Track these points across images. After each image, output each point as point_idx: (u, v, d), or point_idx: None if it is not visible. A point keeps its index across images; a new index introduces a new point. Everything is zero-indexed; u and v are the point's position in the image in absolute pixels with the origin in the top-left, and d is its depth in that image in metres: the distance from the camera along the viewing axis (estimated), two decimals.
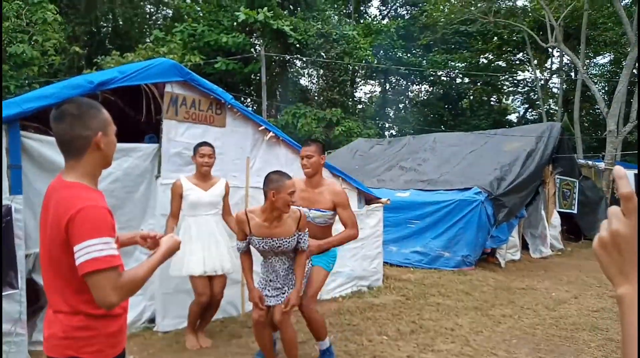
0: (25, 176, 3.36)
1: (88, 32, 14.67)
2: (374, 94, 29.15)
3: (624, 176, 0.54)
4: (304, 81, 23.24)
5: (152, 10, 18.82)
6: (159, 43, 13.81)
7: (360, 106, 26.13)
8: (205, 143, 3.65)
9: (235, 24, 15.55)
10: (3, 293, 3.18)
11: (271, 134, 4.58)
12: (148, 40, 14.89)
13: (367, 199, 5.66)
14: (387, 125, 27.76)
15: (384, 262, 6.67)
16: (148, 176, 3.99)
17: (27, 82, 9.65)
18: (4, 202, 3.18)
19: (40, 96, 3.30)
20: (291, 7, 18.61)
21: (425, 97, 28.49)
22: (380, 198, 5.72)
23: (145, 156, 3.94)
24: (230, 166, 4.34)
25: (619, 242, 0.53)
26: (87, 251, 1.35)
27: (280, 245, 2.86)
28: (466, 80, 25.99)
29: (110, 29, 16.71)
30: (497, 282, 6.23)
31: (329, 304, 4.90)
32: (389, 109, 28.58)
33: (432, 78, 26.01)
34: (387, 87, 28.48)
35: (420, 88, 29.24)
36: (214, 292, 3.62)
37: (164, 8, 18.61)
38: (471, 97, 27.14)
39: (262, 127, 4.53)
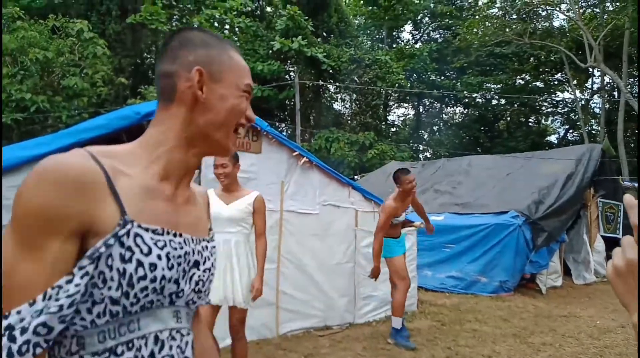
0: None
1: (133, 64, 15.53)
2: (408, 116, 29.19)
3: (635, 206, 0.56)
4: (337, 106, 23.62)
5: None
6: None
7: (393, 129, 26.20)
8: None
9: (270, 52, 16.11)
10: None
11: (305, 159, 4.73)
12: None
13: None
14: (421, 147, 27.63)
15: (418, 287, 6.62)
16: None
17: (77, 112, 10.31)
18: None
19: (93, 127, 3.57)
20: (325, 34, 19.09)
21: (460, 120, 28.26)
22: (413, 222, 5.72)
23: None
24: (265, 190, 4.47)
25: (633, 270, 0.55)
26: None
27: None
28: (502, 101, 25.63)
29: (153, 60, 17.63)
30: (537, 309, 6.04)
31: (363, 328, 4.90)
32: (423, 131, 28.47)
33: (466, 100, 25.80)
34: (421, 110, 28.47)
35: (455, 110, 29.08)
36: (230, 324, 3.13)
37: None
38: (508, 118, 26.70)
39: (296, 153, 4.68)
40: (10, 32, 10.03)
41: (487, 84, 24.49)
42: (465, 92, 23.69)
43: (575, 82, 22.46)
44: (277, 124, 20.86)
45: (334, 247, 4.95)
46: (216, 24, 17.78)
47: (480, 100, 26.12)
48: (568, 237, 7.98)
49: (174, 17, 16.78)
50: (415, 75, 24.39)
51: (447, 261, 7.45)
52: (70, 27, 10.77)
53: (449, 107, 28.71)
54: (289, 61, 17.45)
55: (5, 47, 9.53)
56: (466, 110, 27.73)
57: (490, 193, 8.45)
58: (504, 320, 5.37)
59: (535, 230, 7.04)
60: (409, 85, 22.80)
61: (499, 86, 24.03)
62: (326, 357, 4.01)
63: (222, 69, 0.84)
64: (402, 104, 27.35)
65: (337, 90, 20.76)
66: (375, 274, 4.44)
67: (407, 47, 25.67)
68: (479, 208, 7.95)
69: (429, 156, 26.01)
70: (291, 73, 17.84)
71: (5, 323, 0.63)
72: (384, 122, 23.40)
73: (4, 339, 0.62)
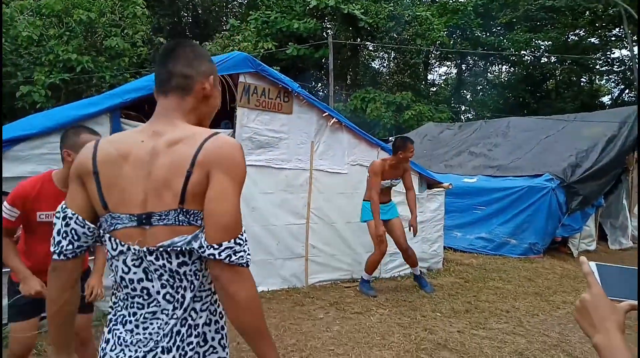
0: None
1: (171, 23, 15.77)
2: (450, 76, 28.25)
3: (585, 262, 0.84)
4: (374, 65, 23.13)
5: None
6: (235, 31, 14.50)
7: (433, 89, 25.50)
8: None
9: (307, 9, 15.87)
10: None
11: (334, 119, 4.85)
12: (225, 29, 15.67)
13: (429, 183, 5.77)
14: (463, 108, 26.86)
15: (447, 247, 6.78)
16: None
17: (119, 72, 10.71)
18: None
19: (137, 88, 3.83)
20: None
21: (505, 79, 27.08)
22: (442, 183, 5.80)
23: None
24: (296, 150, 4.69)
25: (586, 306, 0.79)
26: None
27: None
28: (552, 59, 24.26)
29: (190, 19, 17.79)
30: (565, 271, 6.08)
31: (388, 282, 5.14)
32: (465, 91, 27.55)
33: (513, 58, 24.58)
34: (464, 69, 27.44)
35: (501, 69, 27.83)
36: None
37: None
38: (558, 78, 25.34)
39: (326, 114, 4.81)
40: None
41: (536, 41, 23.17)
42: (511, 50, 22.56)
43: (635, 37, 20.89)
44: (314, 83, 20.81)
45: (359, 207, 5.13)
46: None
47: (528, 58, 24.84)
48: (606, 201, 7.81)
49: None
50: (458, 31, 23.37)
51: (477, 222, 7.50)
52: None
53: (493, 66, 27.48)
54: (325, 19, 17.17)
55: (52, 9, 9.92)
56: (513, 69, 26.47)
57: (526, 155, 8.30)
58: (529, 279, 5.47)
59: (569, 194, 6.94)
60: (451, 42, 21.96)
61: (549, 42, 22.69)
62: (351, 305, 4.29)
63: (216, 78, 1.26)
64: (443, 62, 26.43)
65: (375, 48, 20.31)
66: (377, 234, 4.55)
67: (451, 1, 24.49)
68: (513, 170, 7.86)
69: (470, 117, 25.28)
70: (329, 31, 17.57)
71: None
72: (423, 82, 22.80)
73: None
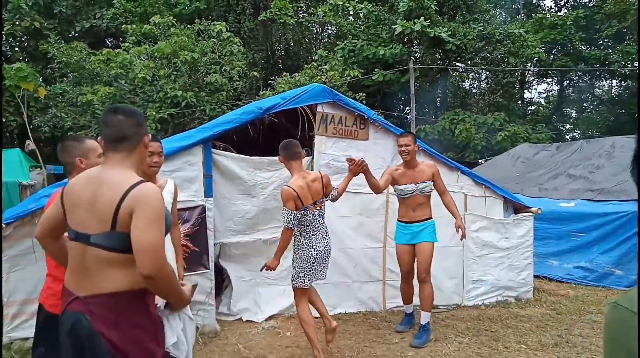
0: (215, 183, 4.35)
1: (264, 58, 16.91)
2: (550, 93, 26.51)
3: None
4: (465, 85, 22.52)
5: (318, 29, 20.65)
6: (323, 61, 15.15)
7: (531, 108, 24.08)
8: (154, 137, 2.71)
9: (393, 35, 16.08)
10: (198, 272, 4.18)
11: None
12: (313, 59, 16.44)
13: (516, 208, 5.51)
14: (567, 127, 24.96)
15: (542, 276, 6.36)
16: None
17: (217, 105, 11.75)
18: (199, 203, 4.20)
19: (225, 121, 4.27)
20: (451, 12, 18.35)
21: (616, 94, 24.73)
22: (530, 207, 5.51)
23: None
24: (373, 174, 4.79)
25: None
26: None
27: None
28: None
29: (283, 52, 18.91)
30: None
31: (470, 310, 4.96)
32: (569, 109, 25.60)
33: (625, 71, 22.43)
34: (566, 85, 25.59)
35: (611, 83, 25.51)
36: None
37: (328, 27, 20.24)
38: None
39: None
40: (166, 38, 11.77)
41: None
42: (621, 62, 20.62)
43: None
44: (402, 106, 20.79)
45: (441, 230, 5.03)
46: (341, 12, 18.36)
47: None
48: None
49: (300, 9, 17.75)
50: (557, 47, 21.97)
51: (576, 251, 6.92)
52: (212, 29, 12.23)
53: (601, 81, 25.28)
54: (413, 42, 17.23)
55: (162, 52, 11.25)
56: (623, 83, 24.12)
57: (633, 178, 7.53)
58: None
59: None
60: (550, 58, 20.69)
61: None
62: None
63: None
64: (542, 79, 24.89)
65: (464, 70, 19.83)
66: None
67: (549, 16, 23.17)
68: (618, 194, 7.18)
69: (577, 136, 23.38)
70: (416, 54, 17.59)
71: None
72: (518, 101, 21.65)
73: None
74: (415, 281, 4.21)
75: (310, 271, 3.39)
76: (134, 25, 12.84)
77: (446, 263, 5.12)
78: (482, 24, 17.27)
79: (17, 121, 14.47)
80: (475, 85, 22.11)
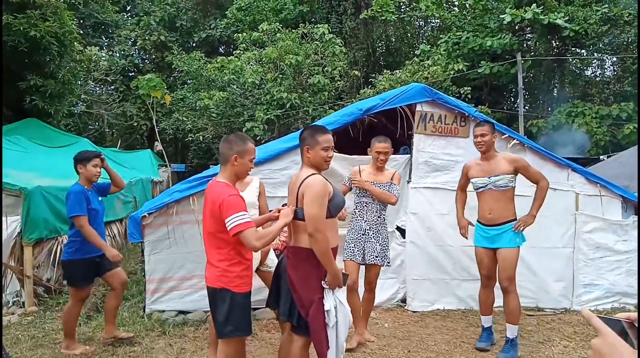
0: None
1: (365, 56, 17.08)
2: None
3: (593, 316, 0.81)
4: (587, 73, 20.45)
5: (420, 24, 20.28)
6: (425, 56, 14.89)
7: None
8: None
9: (502, 25, 15.24)
10: None
11: (515, 141, 4.76)
12: (416, 53, 16.21)
13: (637, 208, 5.05)
14: None
15: None
16: (402, 181, 4.83)
17: (320, 105, 12.22)
18: None
19: (327, 123, 4.55)
20: None
21: None
22: None
23: (399, 165, 4.81)
24: None
25: (599, 349, 0.80)
26: (233, 220, 2.33)
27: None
28: None
29: (383, 49, 18.90)
30: None
31: (580, 315, 4.66)
32: None
33: None
34: None
35: None
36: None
37: (431, 21, 19.78)
38: None
39: (506, 135, 4.76)
40: (273, 44, 12.54)
41: None
42: None
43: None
44: (512, 99, 19.59)
45: (548, 230, 4.84)
46: (444, 4, 17.86)
47: None
48: None
49: (402, 4, 17.61)
50: None
51: None
52: (315, 32, 12.73)
53: None
54: (525, 31, 16.16)
55: (269, 57, 12.00)
56: None
57: None
58: None
59: None
60: None
61: None
62: (531, 333, 4.11)
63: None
64: None
65: (584, 57, 18.08)
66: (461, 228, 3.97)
67: None
68: None
69: None
70: (528, 42, 16.46)
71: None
72: None
73: None
74: (498, 292, 3.82)
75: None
76: (244, 34, 13.85)
77: (554, 265, 4.90)
78: (606, 6, 15.58)
79: (147, 125, 16.54)
80: (598, 73, 20.00)
